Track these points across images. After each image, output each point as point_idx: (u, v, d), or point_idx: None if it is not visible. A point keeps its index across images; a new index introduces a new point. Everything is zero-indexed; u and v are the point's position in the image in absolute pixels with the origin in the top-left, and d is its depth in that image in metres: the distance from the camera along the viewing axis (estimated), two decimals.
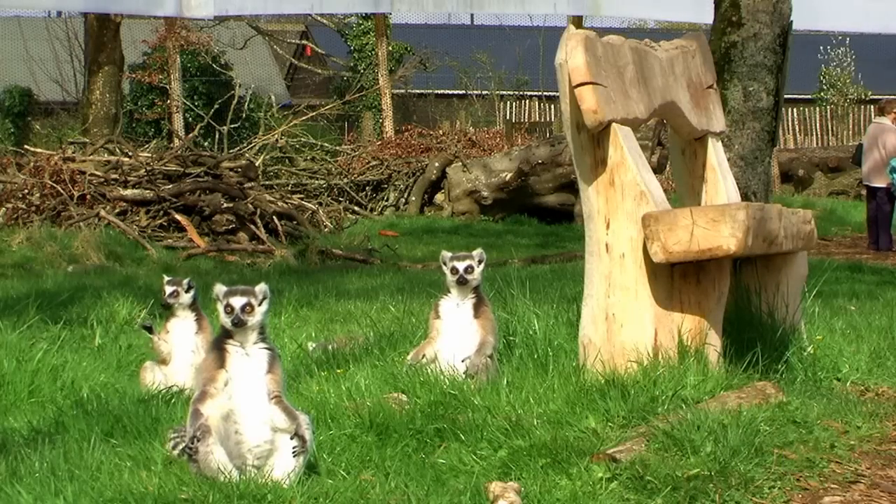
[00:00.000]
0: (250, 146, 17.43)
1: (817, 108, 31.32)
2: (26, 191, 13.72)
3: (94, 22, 19.91)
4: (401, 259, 12.97)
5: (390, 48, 27.21)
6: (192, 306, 5.30)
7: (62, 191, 13.50)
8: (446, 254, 4.84)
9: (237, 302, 3.64)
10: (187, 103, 23.03)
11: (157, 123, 25.60)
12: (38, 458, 3.88)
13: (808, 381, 4.98)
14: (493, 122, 28.98)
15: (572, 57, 4.52)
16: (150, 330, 5.40)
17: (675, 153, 5.66)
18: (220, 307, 3.67)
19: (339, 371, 5.06)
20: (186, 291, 5.26)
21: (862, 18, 19.27)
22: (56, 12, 31.28)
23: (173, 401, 4.81)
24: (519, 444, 3.89)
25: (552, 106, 29.39)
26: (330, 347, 5.84)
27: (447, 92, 33.07)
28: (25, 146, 16.90)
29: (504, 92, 31.69)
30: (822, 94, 32.29)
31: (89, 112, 19.63)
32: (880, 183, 15.40)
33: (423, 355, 4.84)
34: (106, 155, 14.91)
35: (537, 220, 17.05)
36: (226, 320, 3.65)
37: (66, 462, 3.81)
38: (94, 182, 13.80)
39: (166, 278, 5.34)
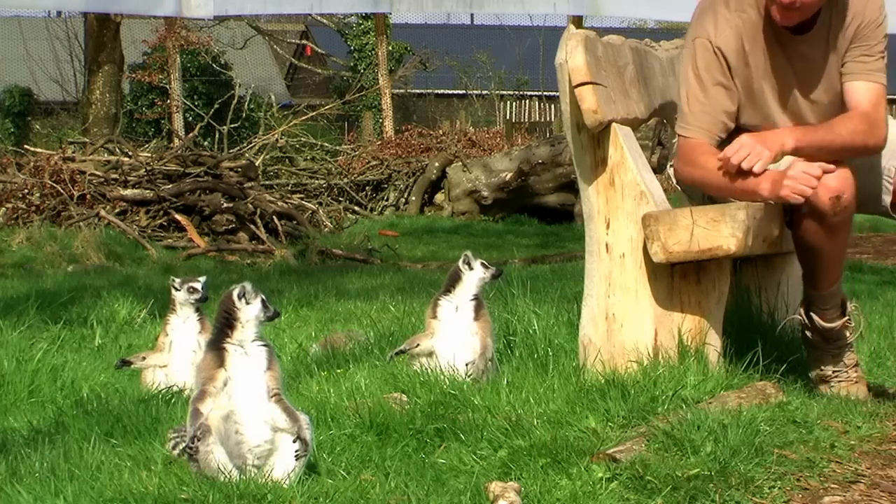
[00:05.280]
0: (250, 146, 17.42)
1: None
2: (26, 191, 13.70)
3: (94, 22, 19.91)
4: (401, 259, 12.95)
5: (390, 48, 27.23)
6: (197, 307, 5.29)
7: (62, 191, 13.49)
8: (469, 253, 4.83)
9: (262, 297, 3.69)
10: (187, 103, 23.04)
11: (157, 123, 25.62)
12: (38, 458, 3.87)
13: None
14: (493, 122, 28.99)
15: (572, 57, 4.52)
16: (128, 364, 5.39)
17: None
18: (253, 304, 3.65)
19: (339, 371, 5.06)
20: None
21: None
22: (56, 12, 31.30)
23: (173, 401, 4.81)
24: (519, 444, 3.88)
25: (552, 106, 29.41)
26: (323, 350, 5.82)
27: (447, 92, 33.10)
28: (25, 146, 16.89)
29: (504, 92, 31.70)
30: None
31: (89, 112, 19.63)
32: None
33: (418, 344, 4.84)
34: (106, 155, 14.91)
35: (537, 220, 17.03)
36: (268, 315, 3.67)
37: (66, 462, 3.81)
38: (94, 182, 13.79)
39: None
